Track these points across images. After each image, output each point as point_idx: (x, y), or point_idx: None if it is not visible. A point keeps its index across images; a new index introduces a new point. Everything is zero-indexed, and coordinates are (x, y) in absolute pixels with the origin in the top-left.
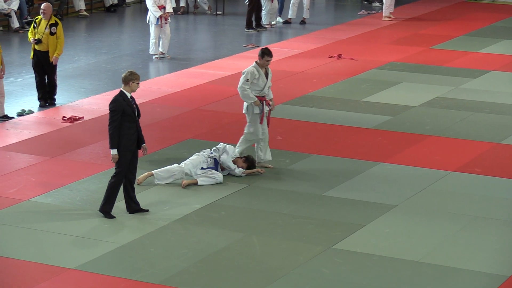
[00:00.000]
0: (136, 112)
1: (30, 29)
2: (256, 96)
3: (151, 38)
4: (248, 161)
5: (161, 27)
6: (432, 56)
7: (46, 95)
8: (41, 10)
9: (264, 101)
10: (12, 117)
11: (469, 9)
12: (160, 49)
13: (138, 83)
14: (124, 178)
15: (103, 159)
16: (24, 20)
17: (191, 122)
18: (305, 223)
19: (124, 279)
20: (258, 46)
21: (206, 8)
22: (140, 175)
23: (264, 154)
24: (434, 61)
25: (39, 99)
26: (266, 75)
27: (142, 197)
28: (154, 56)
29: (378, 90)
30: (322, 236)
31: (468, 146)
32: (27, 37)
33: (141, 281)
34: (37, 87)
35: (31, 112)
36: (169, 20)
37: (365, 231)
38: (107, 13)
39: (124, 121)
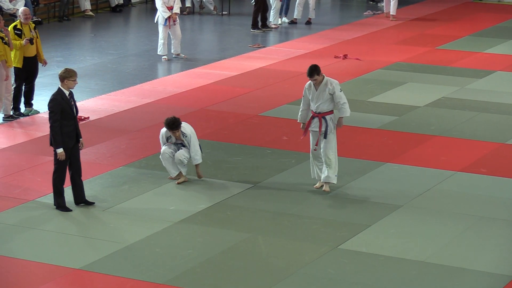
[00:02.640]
0: (74, 109)
1: (15, 37)
2: (313, 112)
3: (159, 39)
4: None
5: (169, 28)
6: (437, 56)
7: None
8: (24, 16)
9: (317, 117)
10: (18, 117)
11: (474, 9)
12: (173, 51)
13: (74, 80)
14: (71, 170)
15: (109, 159)
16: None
17: (196, 122)
18: (311, 223)
19: (130, 279)
20: (263, 46)
21: (212, 8)
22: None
23: (319, 173)
24: (440, 62)
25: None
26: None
27: (147, 197)
28: (162, 57)
29: (383, 90)
30: (328, 236)
31: (474, 146)
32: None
33: (147, 281)
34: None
35: (36, 112)
36: (178, 20)
37: (371, 231)
38: (112, 13)
39: (62, 119)
